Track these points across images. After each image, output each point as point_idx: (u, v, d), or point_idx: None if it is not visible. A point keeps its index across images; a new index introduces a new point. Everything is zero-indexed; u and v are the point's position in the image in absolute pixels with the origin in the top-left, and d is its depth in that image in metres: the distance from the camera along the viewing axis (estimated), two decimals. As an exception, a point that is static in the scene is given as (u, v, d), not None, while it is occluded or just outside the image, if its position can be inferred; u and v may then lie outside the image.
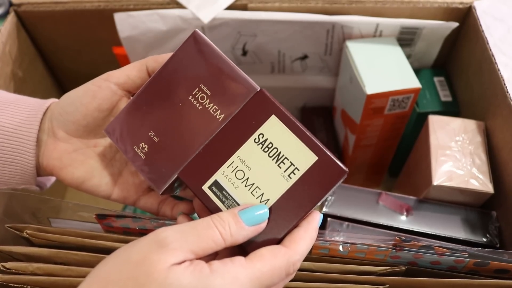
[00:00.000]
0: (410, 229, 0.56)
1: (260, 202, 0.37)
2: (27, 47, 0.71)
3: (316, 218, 0.38)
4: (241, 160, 0.38)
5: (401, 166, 0.75)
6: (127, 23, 0.66)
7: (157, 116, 0.41)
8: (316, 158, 0.37)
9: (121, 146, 0.42)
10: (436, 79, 0.72)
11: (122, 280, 0.31)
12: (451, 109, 0.69)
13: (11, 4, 0.67)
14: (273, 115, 0.38)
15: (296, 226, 0.37)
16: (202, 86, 0.40)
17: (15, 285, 0.47)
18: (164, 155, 0.40)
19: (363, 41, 0.67)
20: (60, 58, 0.77)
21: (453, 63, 0.73)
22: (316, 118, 0.81)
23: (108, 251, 0.47)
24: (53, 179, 0.51)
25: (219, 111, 0.39)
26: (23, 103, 0.45)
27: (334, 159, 0.37)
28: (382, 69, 0.63)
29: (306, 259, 0.48)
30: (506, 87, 0.57)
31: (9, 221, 0.50)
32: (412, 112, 0.69)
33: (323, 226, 0.59)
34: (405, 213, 0.58)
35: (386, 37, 0.67)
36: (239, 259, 0.33)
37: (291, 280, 0.47)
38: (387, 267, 0.48)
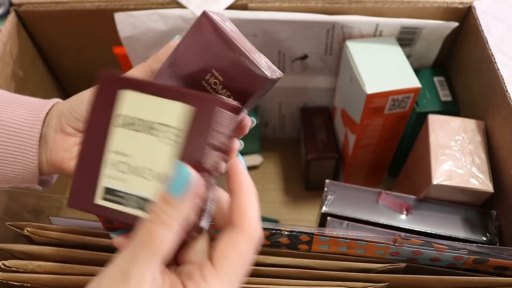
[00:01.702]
0: (410, 228, 0.56)
1: (157, 181, 0.34)
2: (27, 47, 0.71)
3: (241, 169, 0.35)
4: (118, 153, 0.35)
5: (401, 166, 0.75)
6: (127, 23, 0.66)
7: None
8: (188, 106, 0.33)
9: None
10: (436, 79, 0.72)
11: None
12: (451, 109, 0.69)
13: (11, 4, 0.67)
14: (121, 90, 0.34)
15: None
16: (214, 72, 0.38)
17: (16, 283, 0.47)
18: None
19: (363, 41, 0.67)
20: (60, 58, 0.77)
21: (453, 63, 0.73)
22: (316, 118, 0.81)
23: (108, 249, 0.47)
24: (55, 177, 0.51)
25: (232, 97, 0.38)
26: (26, 103, 0.45)
27: (201, 95, 0.33)
28: (382, 69, 0.63)
29: (306, 256, 0.49)
30: (505, 87, 0.57)
31: (10, 219, 0.50)
32: (412, 111, 0.69)
33: (323, 225, 0.59)
34: (405, 212, 0.58)
35: (386, 37, 0.67)
36: (208, 271, 0.31)
37: (291, 279, 0.47)
38: (387, 264, 0.48)
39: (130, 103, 0.34)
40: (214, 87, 0.39)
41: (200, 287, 0.31)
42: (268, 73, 0.38)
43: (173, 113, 0.33)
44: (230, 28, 0.39)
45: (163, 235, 0.30)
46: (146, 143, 0.34)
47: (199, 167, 0.33)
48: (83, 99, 0.43)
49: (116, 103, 0.35)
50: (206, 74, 0.39)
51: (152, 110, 0.34)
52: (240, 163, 0.35)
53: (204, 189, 0.33)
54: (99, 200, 0.35)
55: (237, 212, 0.33)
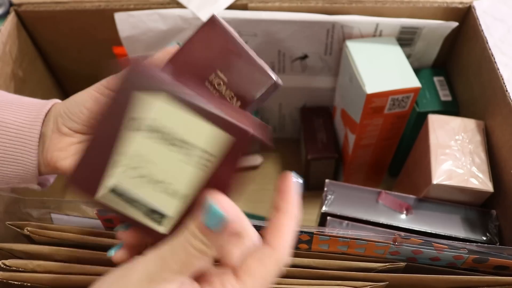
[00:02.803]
0: (410, 227, 0.56)
1: (169, 195, 0.34)
2: (27, 47, 0.71)
3: (290, 188, 0.34)
4: (132, 157, 0.34)
5: (401, 166, 0.75)
6: (127, 23, 0.66)
7: None
8: (218, 129, 0.33)
9: None
10: (436, 78, 0.72)
11: None
12: (451, 109, 0.69)
13: (11, 4, 0.67)
14: (149, 92, 0.33)
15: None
16: (219, 73, 0.39)
17: (15, 283, 0.47)
18: None
19: (363, 40, 0.67)
20: (60, 58, 0.77)
21: (453, 63, 0.73)
22: (316, 118, 0.81)
23: (108, 248, 0.47)
24: (52, 178, 0.51)
25: (235, 98, 0.39)
26: (26, 104, 0.45)
27: (235, 122, 0.33)
28: (382, 69, 0.63)
29: (305, 255, 0.49)
30: (505, 87, 0.57)
31: (10, 218, 0.50)
32: (412, 111, 0.69)
33: (323, 225, 0.59)
34: (404, 212, 0.58)
35: (386, 37, 0.67)
36: (228, 280, 0.32)
37: (291, 278, 0.47)
38: (386, 264, 0.48)
39: (156, 109, 0.33)
40: (218, 87, 0.39)
41: None
42: (273, 76, 0.38)
43: (204, 135, 0.33)
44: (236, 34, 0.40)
45: (198, 260, 0.31)
46: (166, 157, 0.33)
47: (224, 192, 0.32)
48: (79, 100, 0.43)
49: (139, 104, 0.33)
50: (210, 75, 0.39)
51: (181, 125, 0.33)
52: (292, 181, 0.35)
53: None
54: (100, 194, 0.35)
55: (274, 230, 0.33)
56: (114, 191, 0.34)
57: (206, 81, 0.39)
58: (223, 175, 0.33)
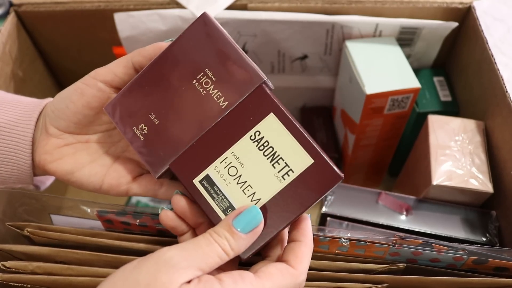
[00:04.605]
0: (410, 228, 0.56)
1: (251, 201, 0.37)
2: (27, 47, 0.71)
3: (309, 226, 0.39)
4: (235, 157, 0.38)
5: (401, 166, 0.75)
6: (127, 23, 0.66)
7: (158, 98, 0.40)
8: (312, 161, 0.37)
9: (120, 126, 0.41)
10: (435, 79, 0.72)
11: None
12: (451, 109, 0.69)
13: (11, 4, 0.67)
14: (271, 113, 0.37)
15: (285, 228, 0.37)
16: (208, 71, 0.39)
17: (15, 284, 0.47)
18: (163, 138, 0.40)
19: (363, 41, 0.67)
20: (60, 58, 0.77)
21: (453, 63, 0.73)
22: (316, 118, 0.81)
23: (108, 249, 0.48)
24: (51, 179, 0.51)
25: (222, 98, 0.38)
26: (20, 103, 0.45)
27: (330, 163, 0.36)
28: (382, 69, 0.63)
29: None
30: (505, 87, 0.57)
31: (10, 219, 0.50)
32: (412, 112, 0.69)
33: (323, 225, 0.59)
34: (404, 213, 0.58)
35: (385, 37, 0.67)
36: (248, 276, 0.34)
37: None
38: (386, 265, 0.48)
39: (268, 125, 0.38)
40: (206, 86, 0.39)
41: (237, 283, 0.33)
42: (263, 75, 0.38)
43: (298, 161, 0.37)
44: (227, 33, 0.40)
45: (218, 257, 0.34)
46: (262, 166, 0.37)
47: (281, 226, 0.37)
48: (64, 95, 0.42)
49: (261, 119, 0.38)
50: (198, 74, 0.39)
51: (282, 143, 0.37)
52: (309, 219, 0.39)
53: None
54: (196, 181, 0.39)
55: (296, 257, 0.37)
56: (208, 181, 0.38)
57: (194, 80, 0.39)
58: (291, 209, 0.37)
